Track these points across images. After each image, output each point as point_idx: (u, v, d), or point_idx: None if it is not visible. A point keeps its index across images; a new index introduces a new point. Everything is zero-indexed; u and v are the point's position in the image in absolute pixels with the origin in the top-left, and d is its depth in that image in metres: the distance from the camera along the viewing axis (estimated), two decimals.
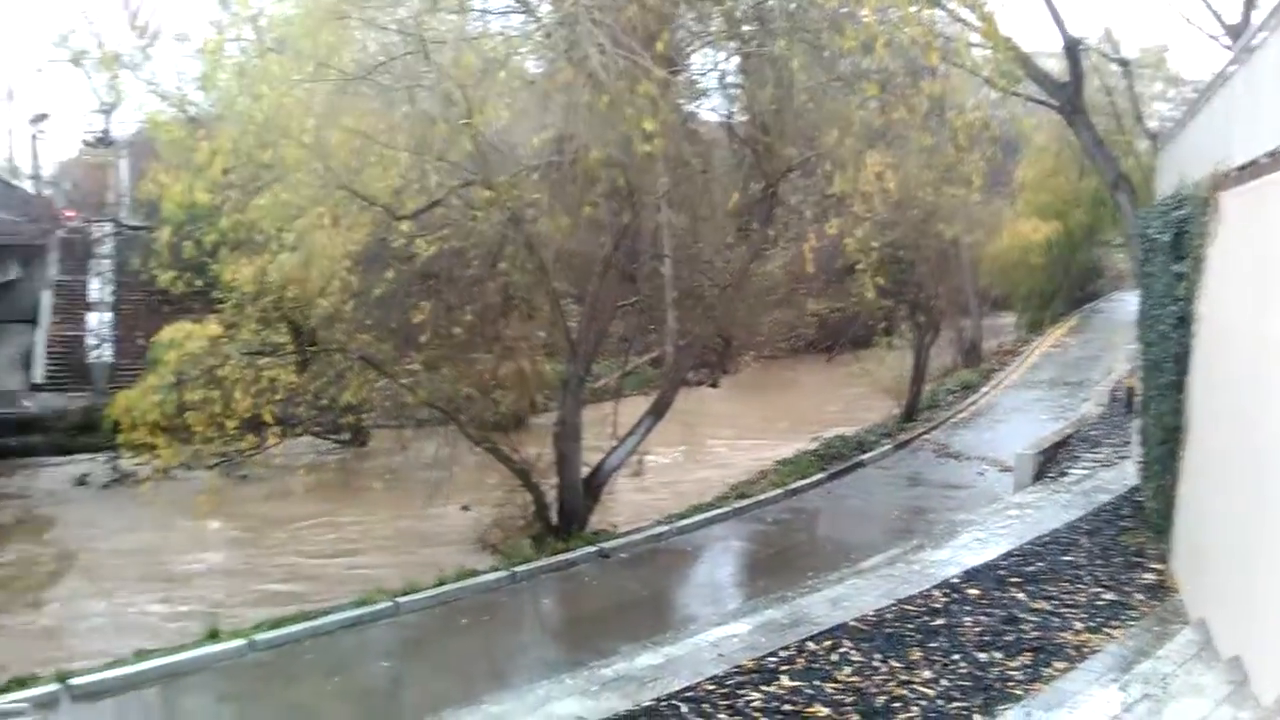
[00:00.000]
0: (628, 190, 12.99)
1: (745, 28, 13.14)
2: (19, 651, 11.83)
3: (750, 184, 14.29)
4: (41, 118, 39.12)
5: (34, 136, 42.62)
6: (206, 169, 15.16)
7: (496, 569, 12.60)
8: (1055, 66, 17.26)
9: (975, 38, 12.91)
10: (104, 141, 39.43)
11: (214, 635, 10.76)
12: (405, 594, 11.59)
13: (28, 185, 34.75)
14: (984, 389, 27.09)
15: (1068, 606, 9.07)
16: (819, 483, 17.32)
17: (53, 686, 9.32)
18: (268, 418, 14.79)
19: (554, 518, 14.20)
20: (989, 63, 13.57)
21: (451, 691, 9.23)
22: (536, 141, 13.25)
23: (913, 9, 10.83)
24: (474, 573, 12.52)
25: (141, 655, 10.40)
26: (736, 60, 13.79)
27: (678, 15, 12.86)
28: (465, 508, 16.13)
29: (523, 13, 12.64)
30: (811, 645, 8.75)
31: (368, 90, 12.47)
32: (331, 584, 13.74)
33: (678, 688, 7.86)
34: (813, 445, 20.14)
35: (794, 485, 16.80)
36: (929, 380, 25.03)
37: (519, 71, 13.18)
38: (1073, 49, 15.31)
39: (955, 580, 10.00)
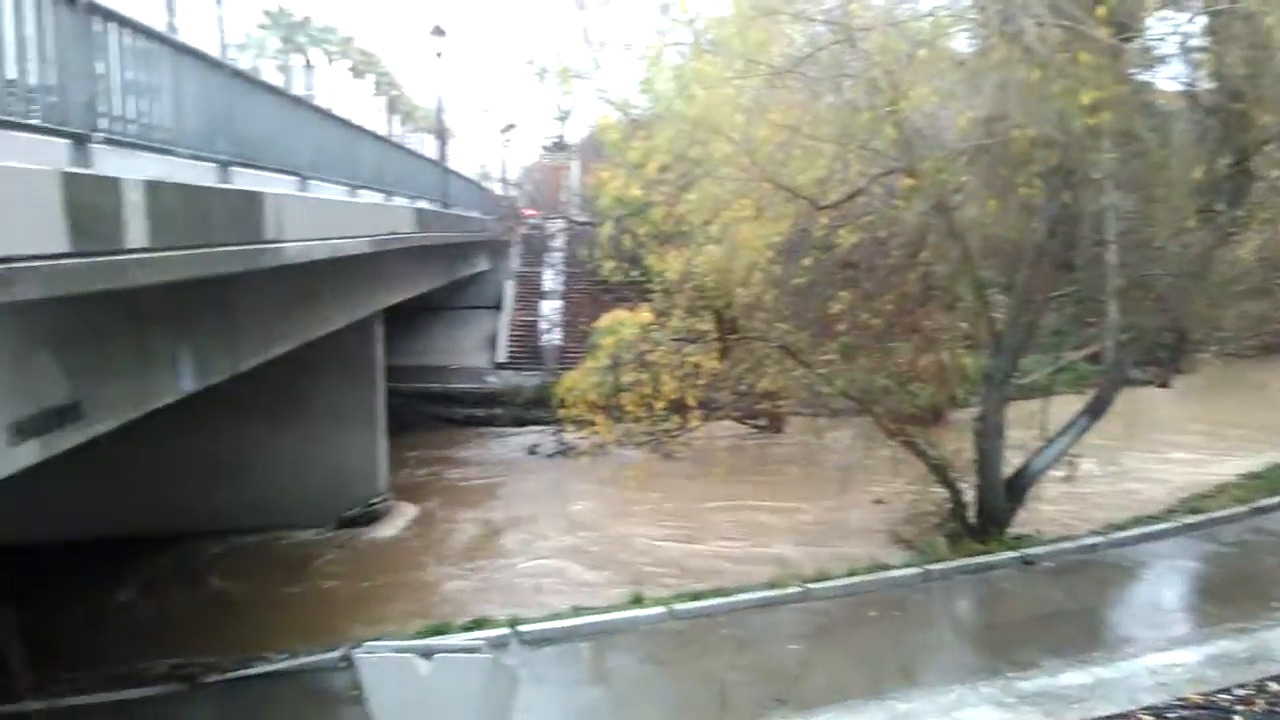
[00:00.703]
0: (1065, 170, 12.00)
1: None
2: (474, 597, 13.51)
3: (1216, 158, 12.57)
4: (510, 128, 44.51)
5: (503, 145, 48.74)
6: (642, 167, 16.33)
7: (909, 565, 12.25)
8: None
9: None
10: (559, 146, 43.99)
11: (638, 600, 11.55)
12: (815, 581, 11.63)
13: (497, 188, 39.58)
14: None
15: None
16: None
17: (504, 630, 10.45)
18: (691, 401, 15.64)
19: (972, 518, 13.53)
20: None
21: (858, 682, 9.13)
22: (962, 122, 12.70)
23: None
24: (885, 566, 12.29)
25: (578, 611, 11.41)
26: (1202, 21, 12.22)
27: None
28: (878, 501, 15.91)
29: None
30: (1275, 685, 7.60)
31: (794, 83, 12.66)
32: (742, 563, 14.17)
33: (1106, 713, 7.18)
34: None
35: (1262, 503, 14.55)
36: None
37: (947, 52, 12.69)
38: None
39: None
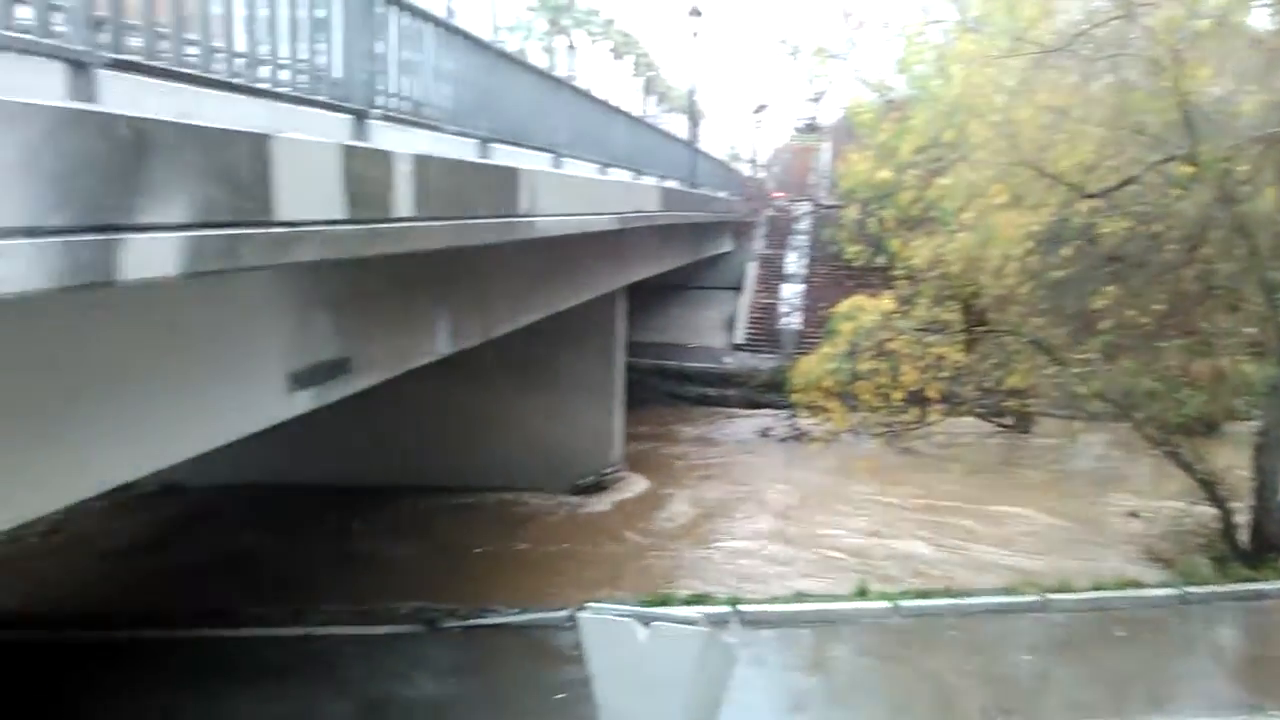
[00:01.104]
0: None
1: None
2: (693, 572, 13.59)
3: None
4: (762, 108, 44.37)
5: (754, 125, 48.69)
6: (893, 149, 15.88)
7: (1165, 585, 11.35)
8: None
9: None
10: (811, 128, 43.43)
11: (862, 593, 11.33)
12: (1056, 591, 11.00)
13: (746, 169, 39.56)
14: None
15: None
16: None
17: (724, 608, 10.53)
18: (932, 394, 15.09)
19: (1243, 541, 12.32)
20: None
21: (1098, 703, 8.63)
22: (1249, 107, 11.52)
23: None
24: (1137, 584, 11.45)
25: (799, 597, 11.35)
26: None
27: None
28: (1132, 514, 14.79)
29: None
30: None
31: (1065, 62, 12.00)
32: (972, 567, 13.54)
33: None
34: None
35: None
36: None
37: (1241, 29, 11.58)
38: None
39: None
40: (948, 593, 11.25)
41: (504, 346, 11.75)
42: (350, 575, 12.49)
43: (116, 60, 3.86)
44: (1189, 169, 11.45)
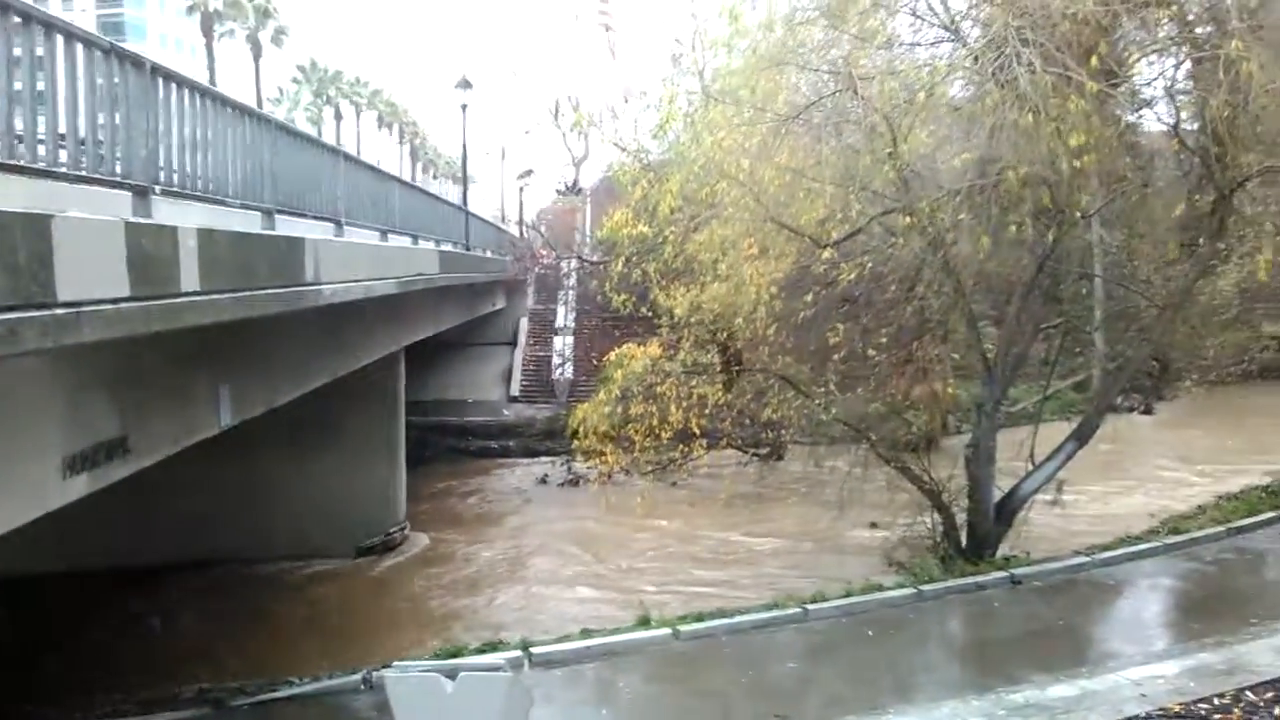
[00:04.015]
0: (1054, 209, 12.59)
1: (1198, 30, 12.28)
2: (478, 622, 13.94)
3: (1198, 196, 13.18)
4: (527, 173, 45.69)
5: (520, 189, 49.83)
6: (652, 206, 17.00)
7: (903, 586, 12.66)
8: None
9: None
10: (574, 190, 45.03)
11: (645, 622, 11.96)
12: (813, 602, 12.06)
13: (514, 229, 40.39)
14: None
15: None
16: (1271, 521, 15.23)
17: (516, 652, 10.60)
18: (696, 430, 16.22)
19: (963, 541, 14.00)
20: None
21: (856, 699, 9.47)
22: (957, 164, 13.27)
23: None
24: (880, 587, 12.71)
25: (586, 634, 11.78)
26: (1186, 66, 12.87)
27: (1118, 26, 12.24)
28: (873, 525, 16.33)
29: (951, 40, 12.75)
30: (1251, 695, 8.08)
31: (799, 129, 13.25)
32: (742, 587, 14.62)
33: None
34: (1265, 481, 17.91)
35: (1240, 523, 14.92)
36: None
37: (944, 98, 13.30)
38: None
39: None
40: (721, 613, 12.03)
41: (288, 411, 11.67)
42: (133, 661, 11.97)
43: None
44: (906, 220, 12.94)
